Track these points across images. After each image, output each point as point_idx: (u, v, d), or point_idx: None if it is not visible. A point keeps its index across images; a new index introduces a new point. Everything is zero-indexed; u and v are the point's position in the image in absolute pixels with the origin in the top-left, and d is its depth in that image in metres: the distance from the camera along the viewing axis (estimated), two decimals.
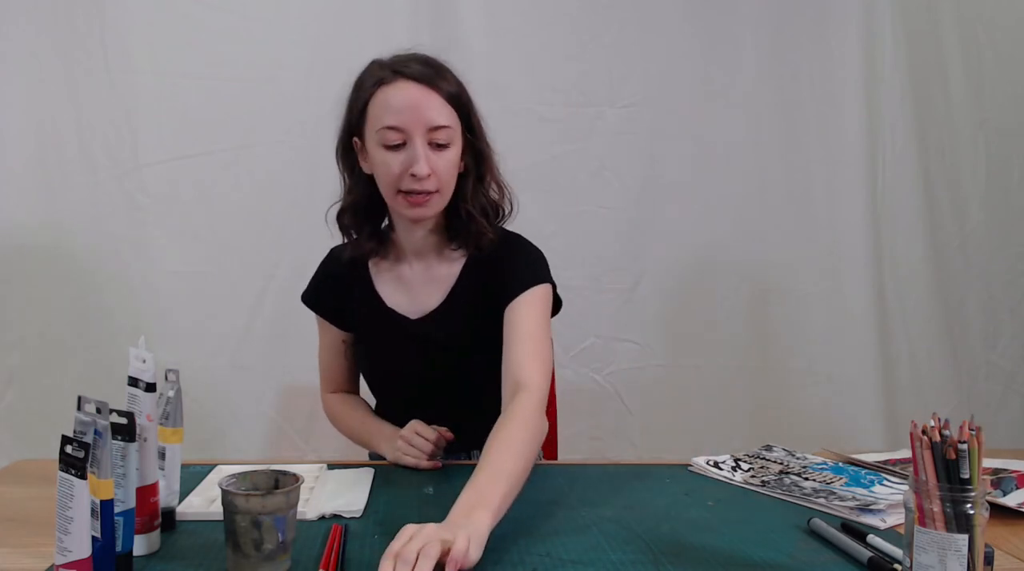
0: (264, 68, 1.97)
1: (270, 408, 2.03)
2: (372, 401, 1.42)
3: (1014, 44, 2.24)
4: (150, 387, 0.88)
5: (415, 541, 0.79)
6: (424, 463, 1.19)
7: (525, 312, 1.20)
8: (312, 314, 1.39)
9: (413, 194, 1.17)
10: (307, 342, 1.96)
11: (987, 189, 2.26)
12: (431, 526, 0.82)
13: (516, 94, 2.03)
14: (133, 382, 0.88)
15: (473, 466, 0.97)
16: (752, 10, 2.15)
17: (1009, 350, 2.30)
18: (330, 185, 1.96)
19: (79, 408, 0.76)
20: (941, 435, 0.75)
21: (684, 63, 2.13)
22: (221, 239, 1.98)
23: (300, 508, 0.91)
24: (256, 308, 2.00)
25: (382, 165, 1.18)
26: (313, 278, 1.39)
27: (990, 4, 2.22)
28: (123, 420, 0.81)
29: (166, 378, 0.94)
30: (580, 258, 2.07)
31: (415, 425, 1.22)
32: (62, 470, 0.73)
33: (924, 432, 0.76)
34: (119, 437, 0.81)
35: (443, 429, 1.22)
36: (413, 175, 1.15)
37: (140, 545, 0.86)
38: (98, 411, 0.75)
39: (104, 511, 0.76)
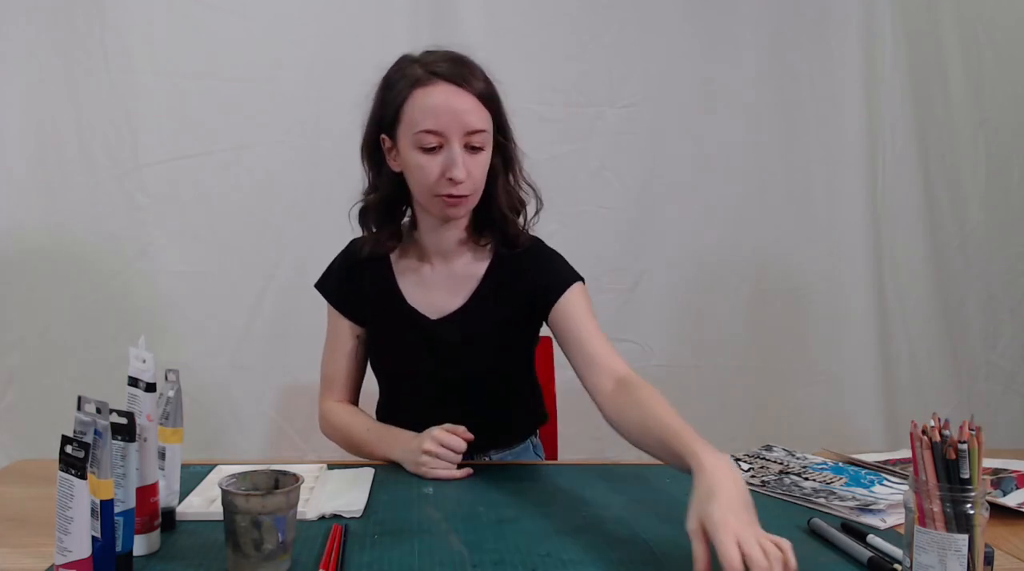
0: (264, 68, 1.97)
1: (270, 408, 2.03)
2: (375, 401, 1.41)
3: (1014, 44, 2.24)
4: (150, 387, 0.88)
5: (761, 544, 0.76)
6: (457, 473, 1.15)
7: (576, 310, 1.21)
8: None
9: (450, 196, 1.16)
10: (307, 342, 1.96)
11: (987, 189, 2.26)
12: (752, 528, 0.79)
13: (516, 94, 2.02)
14: (133, 382, 0.88)
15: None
16: (752, 10, 2.15)
17: (1009, 350, 2.30)
18: (330, 185, 1.99)
19: (79, 408, 0.76)
20: (941, 435, 0.75)
21: (684, 63, 2.13)
22: (221, 239, 1.98)
23: (300, 508, 0.91)
24: (256, 308, 2.00)
25: (417, 168, 1.16)
26: (330, 267, 1.36)
27: (990, 4, 2.22)
28: (123, 420, 0.81)
29: (166, 378, 0.94)
30: (580, 258, 2.06)
31: (438, 435, 1.16)
32: (62, 470, 0.73)
33: (924, 432, 0.76)
34: (119, 437, 0.81)
35: (462, 429, 1.17)
36: (451, 179, 1.14)
37: (140, 545, 0.85)
38: (98, 411, 0.75)
39: (104, 511, 0.76)
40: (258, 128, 1.97)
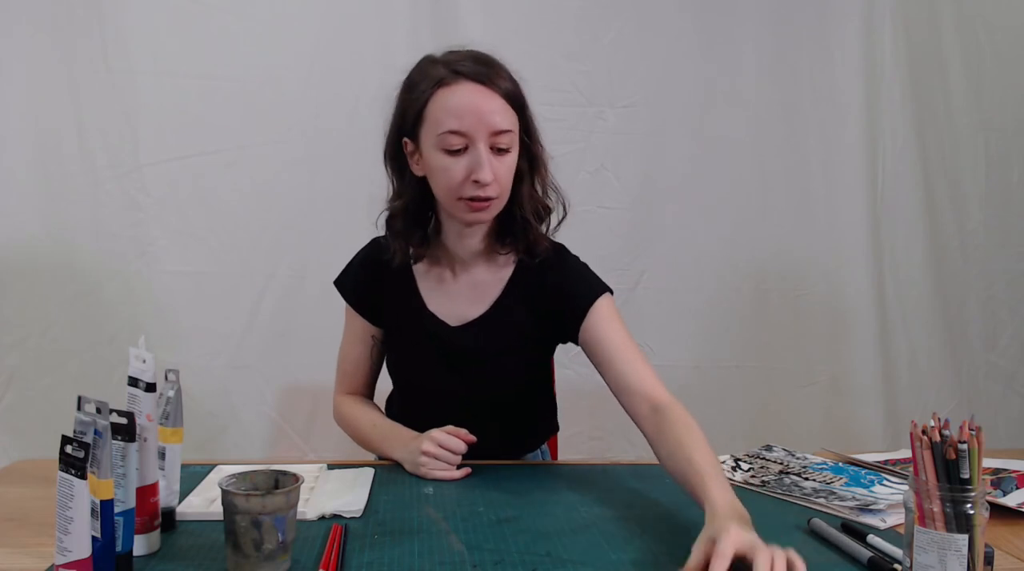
0: (264, 68, 1.97)
1: (270, 408, 2.03)
2: (383, 401, 1.41)
3: (1014, 44, 2.24)
4: (150, 387, 0.88)
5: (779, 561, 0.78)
6: (456, 473, 1.15)
7: (606, 328, 1.19)
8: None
9: (476, 200, 1.13)
10: (307, 342, 1.97)
11: (987, 189, 2.26)
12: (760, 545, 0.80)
13: None
14: (133, 382, 0.88)
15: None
16: (752, 10, 2.15)
17: (1009, 350, 2.30)
18: (330, 185, 1.99)
19: (79, 408, 0.76)
20: (941, 435, 0.75)
21: (684, 63, 2.13)
22: (221, 239, 1.98)
23: (300, 508, 0.91)
24: (256, 308, 2.00)
25: (442, 171, 1.12)
26: (350, 265, 1.33)
27: (990, 4, 2.22)
28: (123, 420, 0.81)
29: (166, 378, 0.94)
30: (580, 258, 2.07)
31: (437, 436, 1.15)
32: (62, 470, 0.73)
33: (924, 432, 0.76)
34: (119, 437, 0.81)
35: (463, 432, 1.17)
36: (476, 181, 1.11)
37: (140, 545, 0.85)
38: (98, 411, 0.76)
39: (104, 511, 0.76)
40: (258, 128, 1.97)
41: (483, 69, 1.13)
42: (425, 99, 1.13)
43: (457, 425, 1.18)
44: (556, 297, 1.22)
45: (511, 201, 1.19)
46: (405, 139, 1.18)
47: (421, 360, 1.27)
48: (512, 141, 1.14)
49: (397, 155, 1.21)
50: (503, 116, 1.12)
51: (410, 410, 1.32)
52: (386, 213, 1.25)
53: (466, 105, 1.10)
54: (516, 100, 1.15)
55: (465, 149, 1.11)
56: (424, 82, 1.13)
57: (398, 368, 1.33)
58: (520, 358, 1.26)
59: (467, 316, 1.24)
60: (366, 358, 1.34)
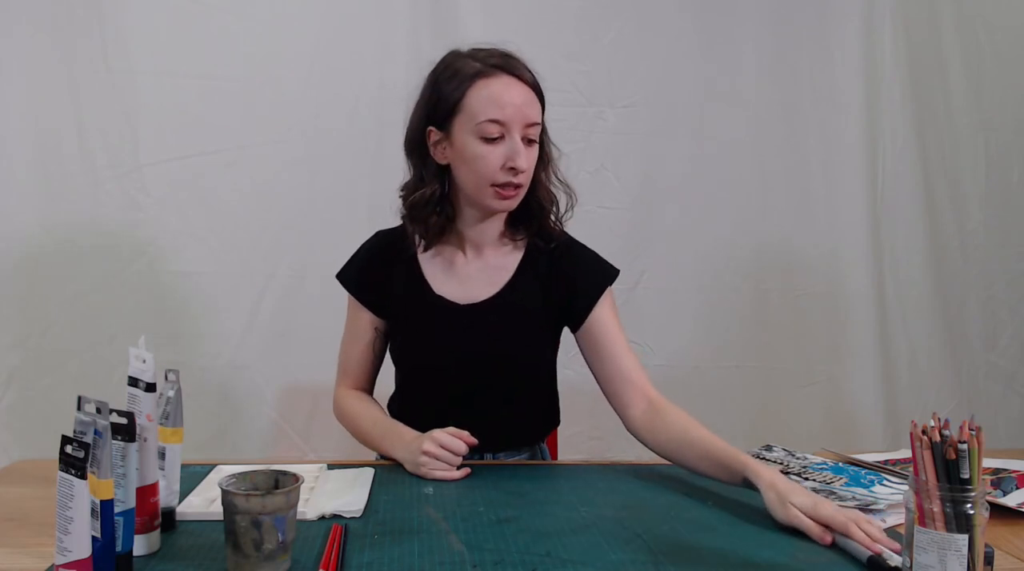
0: (264, 68, 1.96)
1: (270, 408, 2.03)
2: (385, 401, 1.40)
3: (1014, 44, 2.24)
4: (150, 387, 0.88)
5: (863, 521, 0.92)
6: (456, 474, 1.15)
7: (608, 323, 1.27)
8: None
9: (507, 187, 1.19)
10: (307, 342, 1.97)
11: (987, 189, 2.26)
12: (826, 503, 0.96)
13: None
14: (133, 382, 0.88)
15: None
16: (752, 10, 2.15)
17: (1009, 350, 2.30)
18: (330, 185, 1.99)
19: (79, 408, 0.76)
20: (941, 435, 0.75)
21: (684, 63, 2.13)
22: (221, 239, 1.98)
23: (300, 508, 0.91)
24: (256, 308, 2.00)
25: (477, 158, 1.18)
26: (353, 258, 1.35)
27: (990, 4, 2.22)
28: (123, 420, 0.81)
29: (166, 378, 0.94)
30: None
31: (438, 436, 1.16)
32: (62, 470, 0.73)
33: (924, 432, 0.76)
34: (119, 437, 0.81)
35: (465, 434, 1.17)
36: (512, 168, 1.17)
37: (140, 545, 0.86)
38: (98, 411, 0.76)
39: (104, 511, 0.76)
40: (258, 128, 1.97)
41: (514, 63, 1.21)
42: (464, 90, 1.18)
43: (462, 411, 1.21)
44: (567, 283, 1.28)
45: (528, 189, 1.25)
46: (430, 128, 1.22)
47: (429, 341, 1.29)
48: (538, 134, 1.22)
49: (420, 145, 1.24)
50: (535, 109, 1.20)
51: (413, 403, 1.32)
52: (410, 200, 1.26)
53: (505, 96, 1.17)
54: (541, 96, 1.23)
55: (501, 137, 1.18)
56: (461, 73, 1.19)
57: (404, 352, 1.33)
58: (528, 339, 1.28)
59: (478, 297, 1.27)
60: (368, 351, 1.34)
